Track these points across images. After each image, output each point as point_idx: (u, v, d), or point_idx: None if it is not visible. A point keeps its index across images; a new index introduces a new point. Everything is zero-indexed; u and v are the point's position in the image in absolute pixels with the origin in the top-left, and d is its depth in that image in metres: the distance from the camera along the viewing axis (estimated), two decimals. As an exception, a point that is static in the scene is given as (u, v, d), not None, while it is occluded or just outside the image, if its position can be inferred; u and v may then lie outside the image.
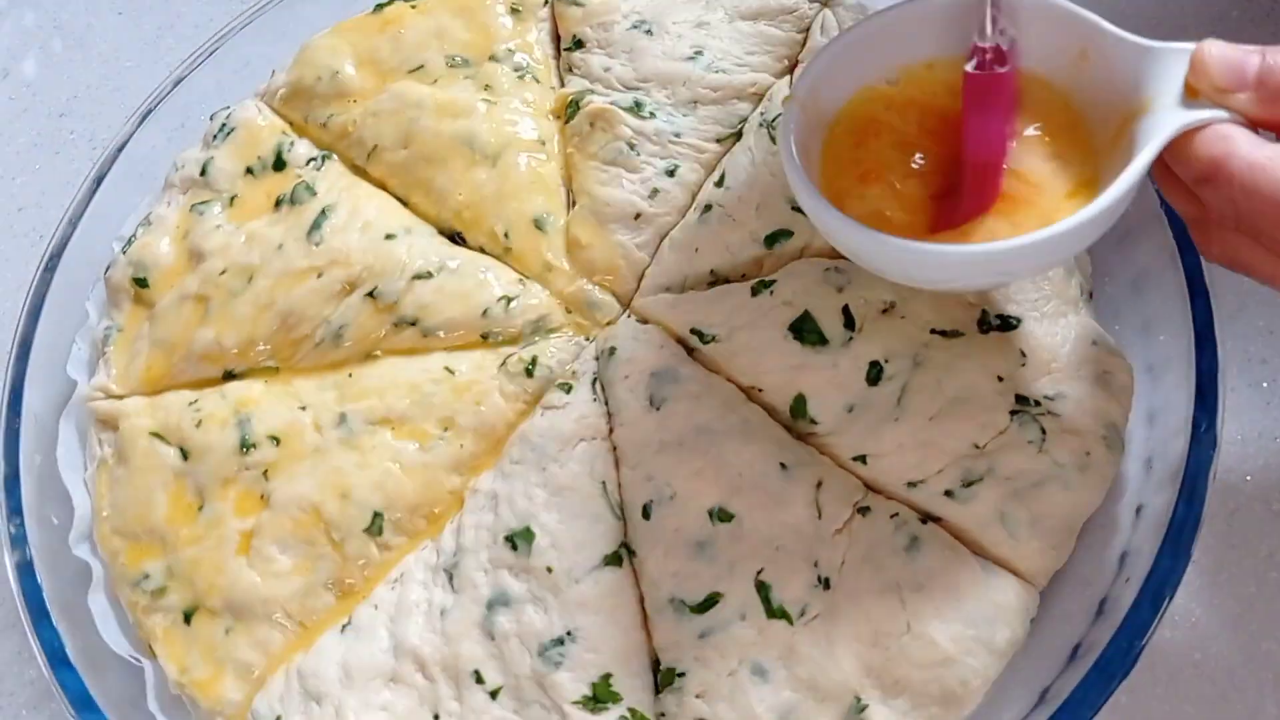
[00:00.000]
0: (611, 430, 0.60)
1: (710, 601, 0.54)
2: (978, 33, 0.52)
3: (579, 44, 0.72)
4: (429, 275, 0.64)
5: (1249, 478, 0.62)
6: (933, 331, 0.59)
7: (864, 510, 0.56)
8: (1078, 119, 0.53)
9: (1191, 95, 0.47)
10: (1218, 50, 0.47)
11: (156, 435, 0.62)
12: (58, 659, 0.57)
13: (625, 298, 0.65)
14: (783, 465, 0.56)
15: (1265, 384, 0.64)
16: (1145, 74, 0.49)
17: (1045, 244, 0.47)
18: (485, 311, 0.63)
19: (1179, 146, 0.47)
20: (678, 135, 0.68)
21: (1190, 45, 0.48)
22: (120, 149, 0.71)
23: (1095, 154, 0.51)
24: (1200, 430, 0.54)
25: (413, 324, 0.63)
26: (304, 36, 0.76)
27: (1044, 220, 0.49)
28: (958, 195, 0.53)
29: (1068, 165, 0.52)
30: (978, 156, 0.52)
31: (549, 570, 0.56)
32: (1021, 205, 0.51)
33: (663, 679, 0.54)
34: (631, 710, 0.54)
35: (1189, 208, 0.50)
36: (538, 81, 0.71)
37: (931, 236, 0.52)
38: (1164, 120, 0.47)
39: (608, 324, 0.64)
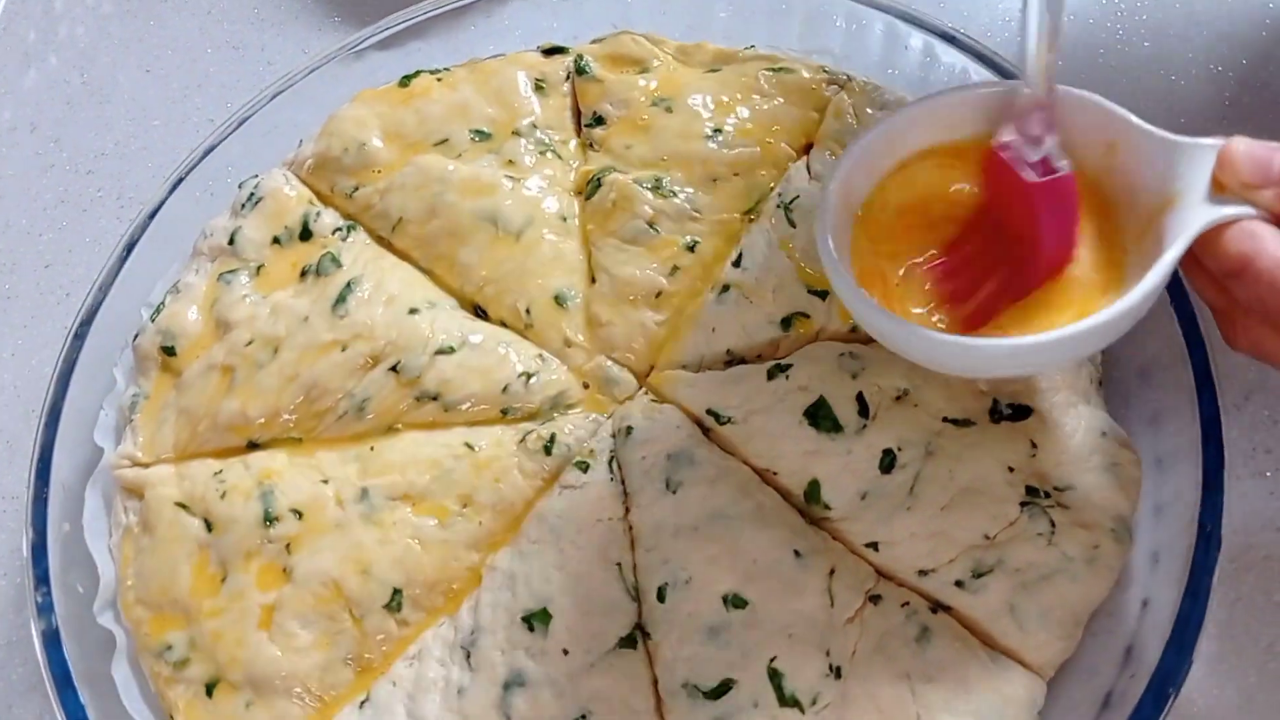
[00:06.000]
0: (628, 511, 0.61)
1: (723, 688, 0.55)
2: (1020, 133, 0.53)
3: (599, 120, 0.74)
4: (451, 350, 0.65)
5: (1251, 568, 0.63)
6: (945, 420, 0.60)
7: (875, 599, 0.57)
8: (1108, 207, 0.54)
9: (1219, 190, 0.48)
10: (1244, 147, 0.48)
11: (181, 506, 0.63)
12: (81, 728, 0.58)
13: (643, 374, 0.66)
14: (796, 552, 0.58)
15: (1269, 474, 0.66)
16: (1173, 168, 0.50)
17: (1074, 339, 0.49)
18: (505, 387, 0.65)
19: (1208, 241, 0.48)
20: (698, 212, 0.69)
21: (1218, 141, 0.49)
22: (151, 216, 0.72)
23: (1124, 244, 0.53)
24: (1205, 530, 0.55)
25: (434, 398, 0.65)
26: (330, 102, 0.77)
27: (1079, 308, 0.51)
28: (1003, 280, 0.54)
29: (1100, 252, 0.53)
30: (1054, 259, 0.53)
31: (565, 652, 0.57)
32: (1057, 293, 0.52)
33: (676, 763, 0.55)
34: (644, 794, 0.55)
35: (1217, 299, 0.52)
36: (559, 157, 0.73)
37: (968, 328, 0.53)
38: (1192, 215, 0.49)
39: (625, 400, 0.66)
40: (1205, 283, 0.51)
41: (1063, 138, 0.54)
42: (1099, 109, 0.54)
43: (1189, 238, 0.48)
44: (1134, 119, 0.53)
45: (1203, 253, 0.49)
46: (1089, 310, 0.50)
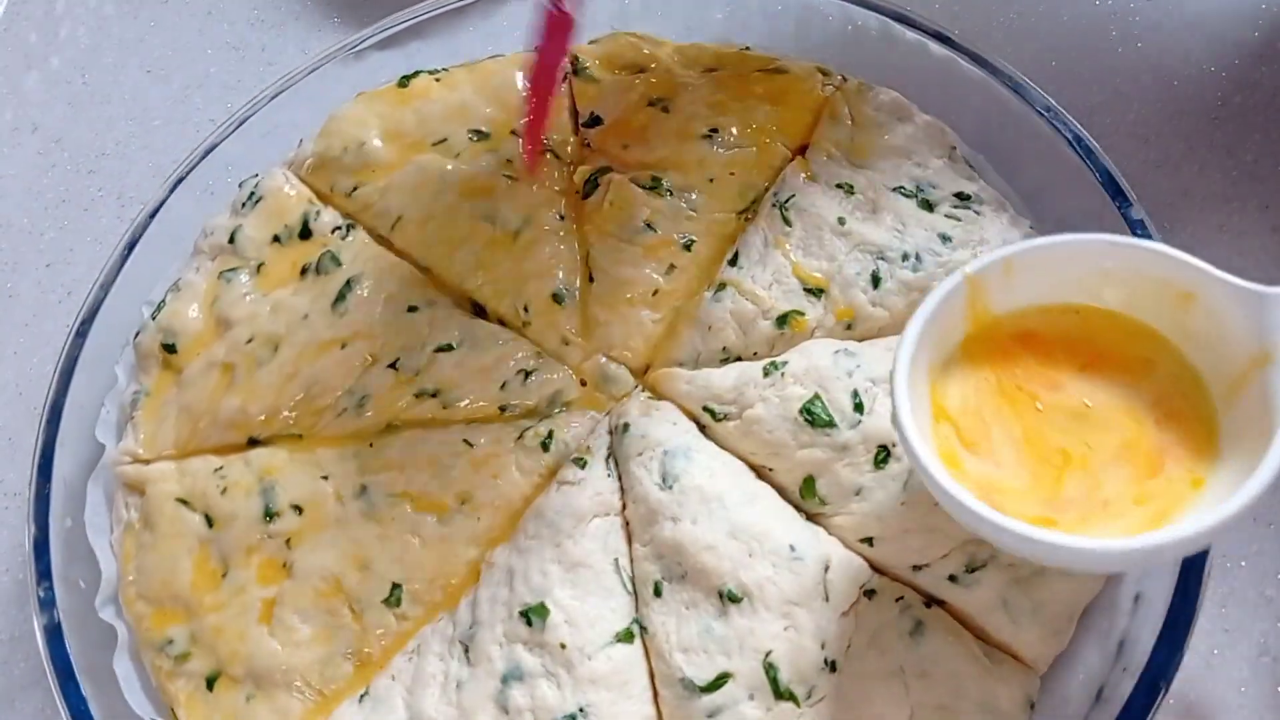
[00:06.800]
0: (624, 506, 0.62)
1: (720, 681, 0.56)
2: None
3: (597, 120, 0.74)
4: (450, 348, 0.66)
5: (1243, 563, 0.64)
6: (939, 417, 0.60)
7: (870, 593, 0.58)
8: (1187, 365, 0.52)
9: None
10: None
11: (182, 501, 0.64)
12: (83, 721, 0.58)
13: (640, 372, 0.67)
14: (792, 547, 0.58)
15: (1261, 470, 0.66)
16: (1263, 320, 0.48)
17: (1191, 539, 0.45)
18: (503, 385, 0.65)
19: None
20: (695, 212, 0.70)
21: None
22: (152, 215, 0.73)
23: (1213, 401, 0.50)
24: (1197, 525, 0.55)
25: (433, 396, 0.65)
26: (329, 102, 0.78)
27: (1172, 497, 0.48)
28: None
29: (1190, 412, 0.51)
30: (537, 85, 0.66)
31: (562, 646, 0.57)
32: (1148, 485, 0.49)
33: (672, 756, 0.56)
34: (641, 786, 0.55)
35: None
36: (557, 157, 0.73)
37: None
38: None
39: (622, 397, 0.66)
40: None
41: (1130, 292, 0.52)
42: (1171, 260, 0.50)
43: None
44: (1212, 269, 0.49)
45: None
46: (1193, 480, 0.48)
